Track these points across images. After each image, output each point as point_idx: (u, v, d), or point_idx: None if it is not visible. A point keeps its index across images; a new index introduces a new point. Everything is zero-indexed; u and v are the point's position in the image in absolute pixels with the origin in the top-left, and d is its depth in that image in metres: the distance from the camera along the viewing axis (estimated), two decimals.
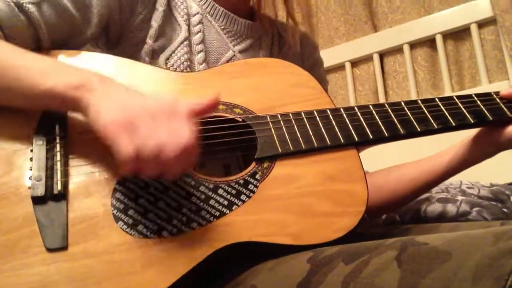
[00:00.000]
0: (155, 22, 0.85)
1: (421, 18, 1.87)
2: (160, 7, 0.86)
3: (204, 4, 0.91)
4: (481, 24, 1.78)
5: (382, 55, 1.96)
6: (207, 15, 0.90)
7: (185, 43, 0.86)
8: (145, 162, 0.57)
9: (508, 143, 0.77)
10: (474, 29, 1.76)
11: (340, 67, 2.03)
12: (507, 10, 1.67)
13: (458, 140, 0.85)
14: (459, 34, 1.84)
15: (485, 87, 1.69)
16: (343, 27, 2.05)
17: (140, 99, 0.62)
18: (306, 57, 1.03)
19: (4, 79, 0.65)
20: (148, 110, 0.59)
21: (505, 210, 1.01)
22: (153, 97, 0.62)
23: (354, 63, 2.02)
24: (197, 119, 0.62)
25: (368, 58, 1.98)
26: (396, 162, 0.94)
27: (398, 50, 1.92)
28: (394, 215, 1.04)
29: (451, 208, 0.99)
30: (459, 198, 1.01)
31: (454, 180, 1.09)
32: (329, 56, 2.01)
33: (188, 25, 0.87)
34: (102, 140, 0.60)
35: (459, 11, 1.80)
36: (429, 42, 1.87)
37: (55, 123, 0.67)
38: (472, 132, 0.82)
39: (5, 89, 0.65)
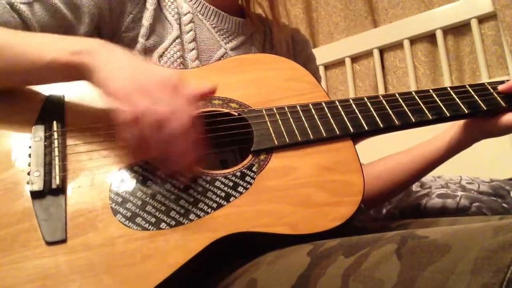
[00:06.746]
0: (146, 21, 0.85)
1: (421, 13, 1.86)
2: (150, 6, 0.86)
3: (194, 3, 0.91)
4: (482, 19, 1.77)
5: (382, 50, 1.95)
6: (198, 14, 0.91)
7: (177, 41, 0.86)
8: (145, 130, 0.58)
9: (498, 131, 0.78)
10: (474, 24, 1.76)
11: (340, 62, 2.03)
12: (507, 5, 1.66)
13: None
14: (459, 30, 1.84)
15: None
16: (343, 22, 2.05)
17: (147, 68, 0.63)
18: (298, 53, 1.03)
19: (2, 59, 0.65)
20: (155, 81, 0.61)
21: (505, 205, 1.01)
22: (158, 68, 0.64)
23: (354, 59, 2.01)
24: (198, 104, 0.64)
25: (368, 54, 1.98)
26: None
27: (398, 45, 1.91)
28: (394, 211, 1.05)
29: (450, 203, 0.99)
30: (459, 193, 1.01)
31: (454, 175, 1.09)
32: (329, 52, 2.01)
33: (179, 24, 0.88)
34: (107, 100, 0.61)
35: (459, 6, 1.79)
36: (429, 37, 1.87)
37: (53, 119, 0.68)
38: None
39: (5, 69, 0.66)
